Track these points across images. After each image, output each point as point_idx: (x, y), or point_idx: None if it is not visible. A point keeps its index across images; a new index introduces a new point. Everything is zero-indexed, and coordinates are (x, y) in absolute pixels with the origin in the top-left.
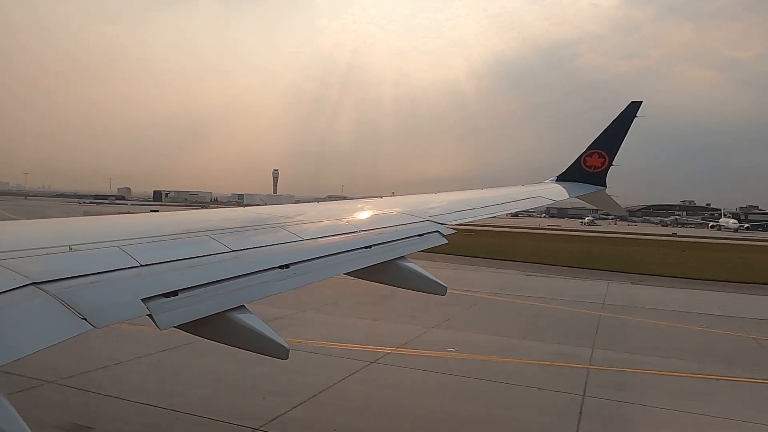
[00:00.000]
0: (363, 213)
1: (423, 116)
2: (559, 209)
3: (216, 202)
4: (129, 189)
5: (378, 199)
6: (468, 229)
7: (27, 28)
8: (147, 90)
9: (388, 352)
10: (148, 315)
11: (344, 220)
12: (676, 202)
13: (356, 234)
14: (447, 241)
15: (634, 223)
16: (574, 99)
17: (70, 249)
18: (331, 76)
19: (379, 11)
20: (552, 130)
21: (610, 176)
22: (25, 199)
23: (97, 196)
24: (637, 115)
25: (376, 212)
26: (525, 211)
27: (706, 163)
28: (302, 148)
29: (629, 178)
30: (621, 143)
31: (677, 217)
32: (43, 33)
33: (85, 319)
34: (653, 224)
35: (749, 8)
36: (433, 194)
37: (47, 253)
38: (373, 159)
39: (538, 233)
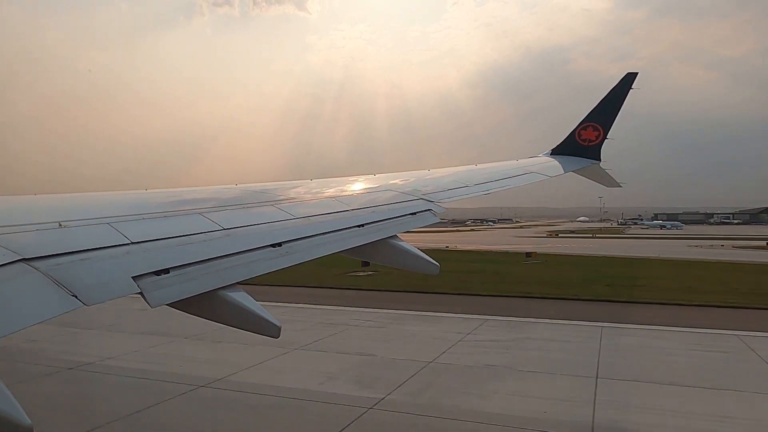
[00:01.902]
0: (355, 190)
1: (417, 128)
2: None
3: None
4: None
5: (370, 176)
6: None
7: (15, 59)
8: (141, 114)
9: None
10: (139, 293)
11: (337, 197)
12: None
13: (349, 212)
14: (439, 220)
15: None
16: (567, 103)
17: (60, 225)
18: (323, 92)
19: (367, 26)
20: (546, 134)
21: (632, 180)
22: None
23: None
24: (632, 87)
25: (368, 190)
26: (636, 220)
27: (710, 158)
28: (300, 162)
29: (640, 178)
30: (616, 116)
31: None
32: (32, 62)
33: (75, 297)
34: None
35: (739, 5)
36: (427, 171)
37: (37, 230)
38: (370, 171)
39: None
